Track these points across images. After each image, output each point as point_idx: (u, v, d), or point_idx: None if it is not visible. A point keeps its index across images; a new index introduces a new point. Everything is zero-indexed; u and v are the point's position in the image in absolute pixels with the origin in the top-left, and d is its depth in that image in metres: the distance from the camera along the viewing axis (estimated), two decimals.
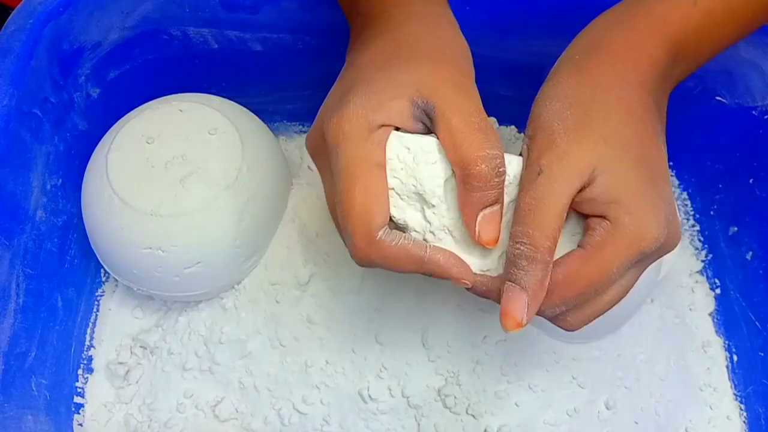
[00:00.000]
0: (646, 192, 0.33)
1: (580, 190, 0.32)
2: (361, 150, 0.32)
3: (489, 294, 0.34)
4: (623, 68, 0.35)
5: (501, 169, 0.32)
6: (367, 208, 0.32)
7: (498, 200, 0.33)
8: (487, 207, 0.33)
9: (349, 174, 0.32)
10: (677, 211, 0.56)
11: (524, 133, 0.35)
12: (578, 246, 0.33)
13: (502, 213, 0.33)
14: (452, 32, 0.38)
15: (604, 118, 0.33)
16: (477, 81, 0.57)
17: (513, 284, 0.32)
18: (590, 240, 0.32)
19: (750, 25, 0.41)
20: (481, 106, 0.34)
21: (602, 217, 0.32)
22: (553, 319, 0.35)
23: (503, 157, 0.33)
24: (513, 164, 0.34)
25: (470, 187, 0.32)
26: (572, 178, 0.32)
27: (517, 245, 0.32)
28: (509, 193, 0.34)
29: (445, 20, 0.38)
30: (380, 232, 0.32)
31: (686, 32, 0.37)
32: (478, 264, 0.35)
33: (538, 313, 0.33)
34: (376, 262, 0.33)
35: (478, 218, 0.33)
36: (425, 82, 0.33)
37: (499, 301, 0.33)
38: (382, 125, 0.33)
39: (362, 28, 0.39)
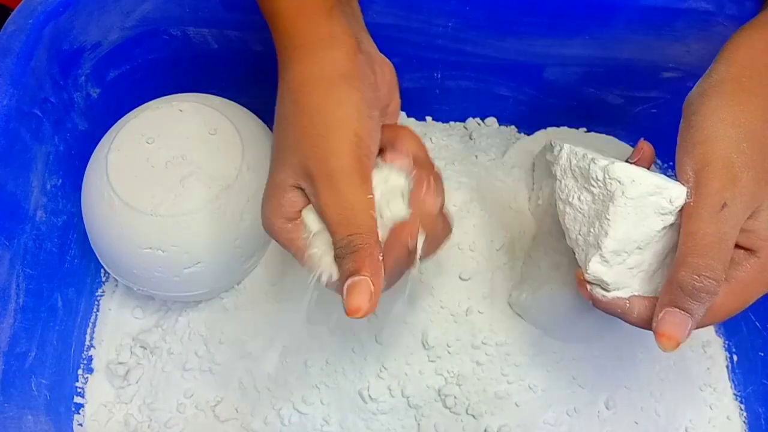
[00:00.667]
0: None
1: None
2: (291, 247, 0.37)
3: (622, 315, 0.37)
4: None
5: (349, 250, 0.34)
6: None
7: (358, 270, 0.34)
8: (351, 276, 0.34)
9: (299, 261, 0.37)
10: None
11: (683, 146, 0.36)
12: None
13: (373, 280, 0.34)
14: (347, 103, 0.36)
15: None
16: (477, 81, 0.58)
17: (678, 310, 0.33)
18: (737, 275, 0.34)
19: None
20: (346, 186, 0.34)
21: (750, 250, 0.34)
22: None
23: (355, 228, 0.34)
24: (675, 193, 0.35)
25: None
26: (747, 213, 0.34)
27: (701, 279, 0.33)
28: (664, 220, 0.35)
29: (345, 86, 0.36)
30: None
31: None
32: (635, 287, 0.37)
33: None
34: None
35: (345, 287, 0.34)
36: (298, 177, 0.36)
37: (623, 317, 0.36)
38: (289, 220, 0.37)
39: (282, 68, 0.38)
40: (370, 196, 0.35)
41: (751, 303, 0.35)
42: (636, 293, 0.37)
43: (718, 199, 0.33)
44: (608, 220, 0.36)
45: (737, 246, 0.34)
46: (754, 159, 0.34)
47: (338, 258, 0.35)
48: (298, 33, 0.36)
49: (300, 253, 0.37)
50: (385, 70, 0.40)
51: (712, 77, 0.36)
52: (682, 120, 0.37)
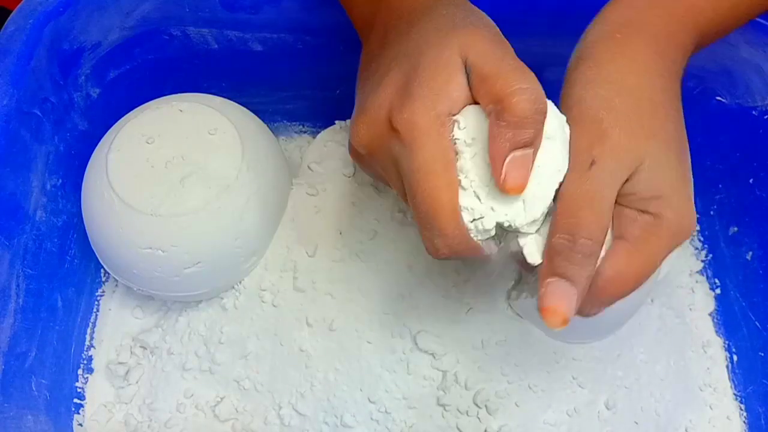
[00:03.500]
0: (684, 185, 0.33)
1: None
2: (438, 147, 0.31)
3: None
4: (665, 57, 0.34)
5: (541, 106, 0.30)
6: (455, 205, 0.31)
7: (533, 143, 0.30)
8: (519, 148, 0.30)
9: (431, 172, 0.31)
10: None
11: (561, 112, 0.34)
12: (616, 237, 0.32)
13: (533, 159, 0.31)
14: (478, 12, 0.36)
15: (652, 110, 0.33)
16: None
17: (560, 279, 0.31)
18: (633, 232, 0.32)
19: (760, 11, 0.40)
20: (516, 57, 0.32)
21: (642, 211, 0.32)
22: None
23: (544, 98, 0.31)
24: (551, 116, 0.33)
25: (504, 123, 0.30)
26: (623, 171, 0.32)
27: (575, 239, 0.30)
28: (547, 148, 0.32)
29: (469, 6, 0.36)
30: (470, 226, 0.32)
31: (713, 24, 0.37)
32: (501, 211, 0.32)
33: (581, 313, 0.33)
34: (460, 254, 0.32)
35: (507, 159, 0.30)
36: (465, 49, 0.32)
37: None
38: (450, 114, 0.32)
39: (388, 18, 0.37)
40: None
41: (657, 263, 0.32)
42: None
43: (586, 157, 0.31)
44: None
45: (627, 207, 0.33)
46: (629, 114, 0.32)
47: (511, 118, 0.30)
48: None
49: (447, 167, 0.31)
50: None
51: (587, 39, 0.35)
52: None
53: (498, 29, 0.35)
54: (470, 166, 0.32)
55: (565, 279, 0.31)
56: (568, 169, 0.32)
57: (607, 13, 0.36)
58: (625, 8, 0.36)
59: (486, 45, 0.32)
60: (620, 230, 0.32)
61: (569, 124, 0.33)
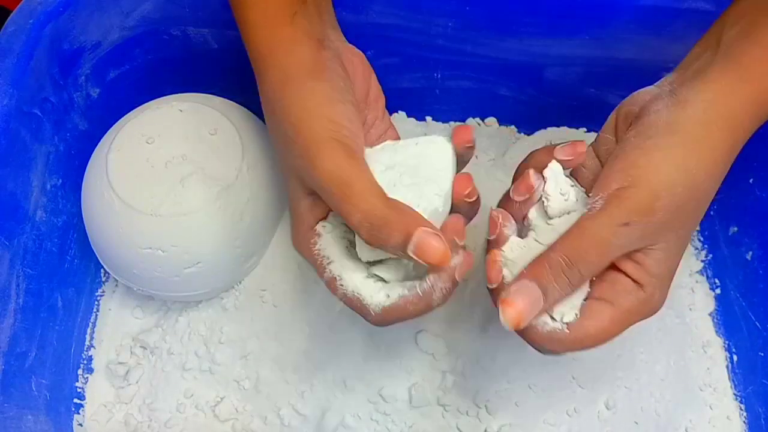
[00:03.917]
0: (674, 273, 0.36)
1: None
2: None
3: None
4: (736, 149, 0.36)
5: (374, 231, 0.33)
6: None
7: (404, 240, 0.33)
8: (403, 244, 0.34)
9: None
10: None
11: (622, 160, 0.35)
12: (602, 299, 0.35)
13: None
14: (315, 95, 0.36)
15: (696, 206, 0.35)
16: (477, 81, 0.58)
17: (536, 285, 0.33)
18: (624, 303, 0.35)
19: None
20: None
21: (638, 284, 0.35)
22: (540, 347, 0.37)
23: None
24: (571, 194, 0.38)
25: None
26: (637, 245, 0.34)
27: (572, 267, 0.33)
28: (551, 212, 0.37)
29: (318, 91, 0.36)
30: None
31: None
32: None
33: (547, 348, 0.36)
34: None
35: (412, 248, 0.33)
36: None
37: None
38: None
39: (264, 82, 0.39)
40: (366, 171, 0.35)
41: (627, 328, 0.36)
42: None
43: (625, 217, 0.33)
44: None
45: (630, 278, 0.35)
46: (678, 206, 0.34)
47: (372, 243, 0.33)
48: (264, 42, 0.37)
49: (320, 269, 0.37)
50: (354, 61, 0.40)
51: (687, 111, 0.35)
52: (636, 121, 0.36)
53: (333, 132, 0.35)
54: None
55: (542, 291, 0.33)
56: (600, 207, 0.34)
57: (715, 97, 0.35)
58: (726, 98, 0.35)
59: (317, 190, 0.35)
60: (611, 296, 0.35)
61: (629, 177, 0.34)
